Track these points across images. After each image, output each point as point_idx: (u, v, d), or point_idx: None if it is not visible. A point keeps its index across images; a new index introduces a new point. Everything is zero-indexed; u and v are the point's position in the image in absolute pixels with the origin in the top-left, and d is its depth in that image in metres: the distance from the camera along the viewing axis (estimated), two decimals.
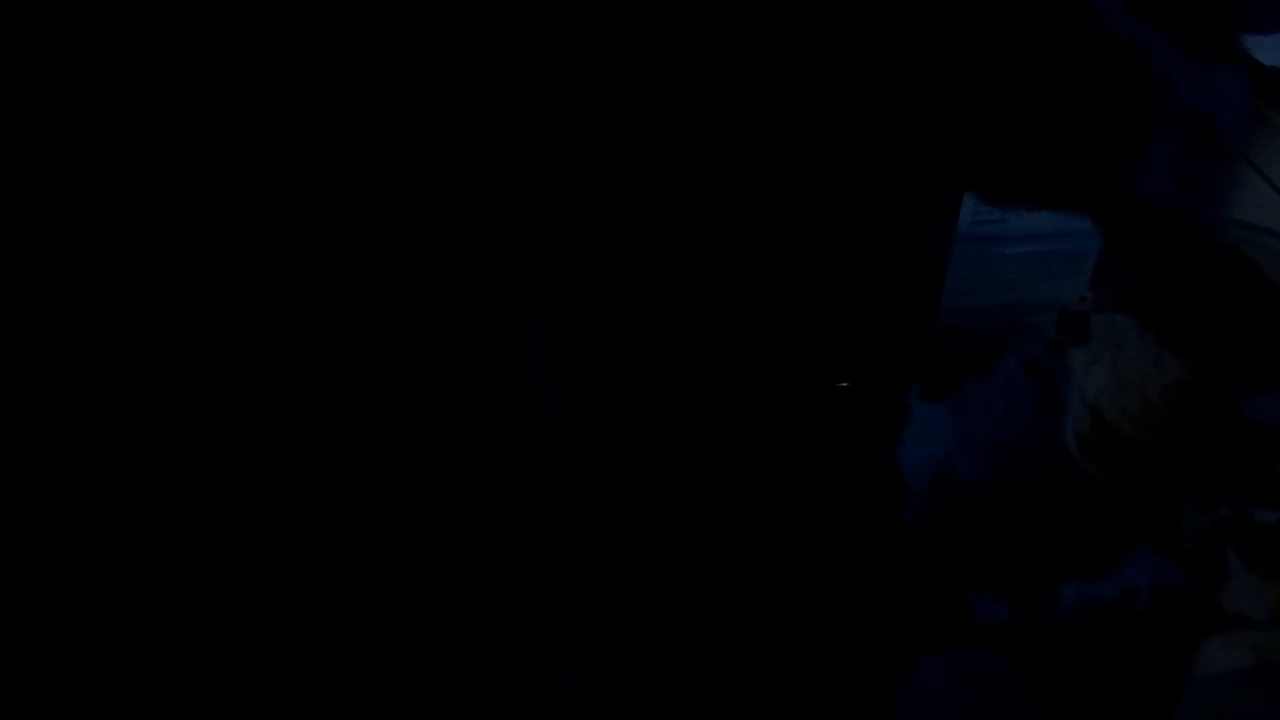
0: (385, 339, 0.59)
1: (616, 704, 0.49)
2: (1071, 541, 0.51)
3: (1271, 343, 0.60)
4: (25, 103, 0.57)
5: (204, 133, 0.60)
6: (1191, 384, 0.56)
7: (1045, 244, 0.62)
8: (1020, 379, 0.57)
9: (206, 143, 0.60)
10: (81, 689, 0.48)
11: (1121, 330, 0.59)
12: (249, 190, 0.61)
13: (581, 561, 0.54)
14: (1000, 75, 0.58)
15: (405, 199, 0.62)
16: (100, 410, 0.56)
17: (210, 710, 0.48)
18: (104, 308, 0.58)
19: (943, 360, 0.62)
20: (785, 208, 0.64)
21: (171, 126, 0.60)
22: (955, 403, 0.59)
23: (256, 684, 0.49)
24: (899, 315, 0.64)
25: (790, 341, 0.63)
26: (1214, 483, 0.54)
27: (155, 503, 0.53)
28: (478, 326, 0.61)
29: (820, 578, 0.53)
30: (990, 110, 0.59)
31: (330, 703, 0.49)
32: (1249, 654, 0.48)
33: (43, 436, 0.54)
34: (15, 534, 0.51)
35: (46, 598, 0.50)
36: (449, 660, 0.50)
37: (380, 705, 0.49)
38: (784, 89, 0.61)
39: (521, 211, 0.64)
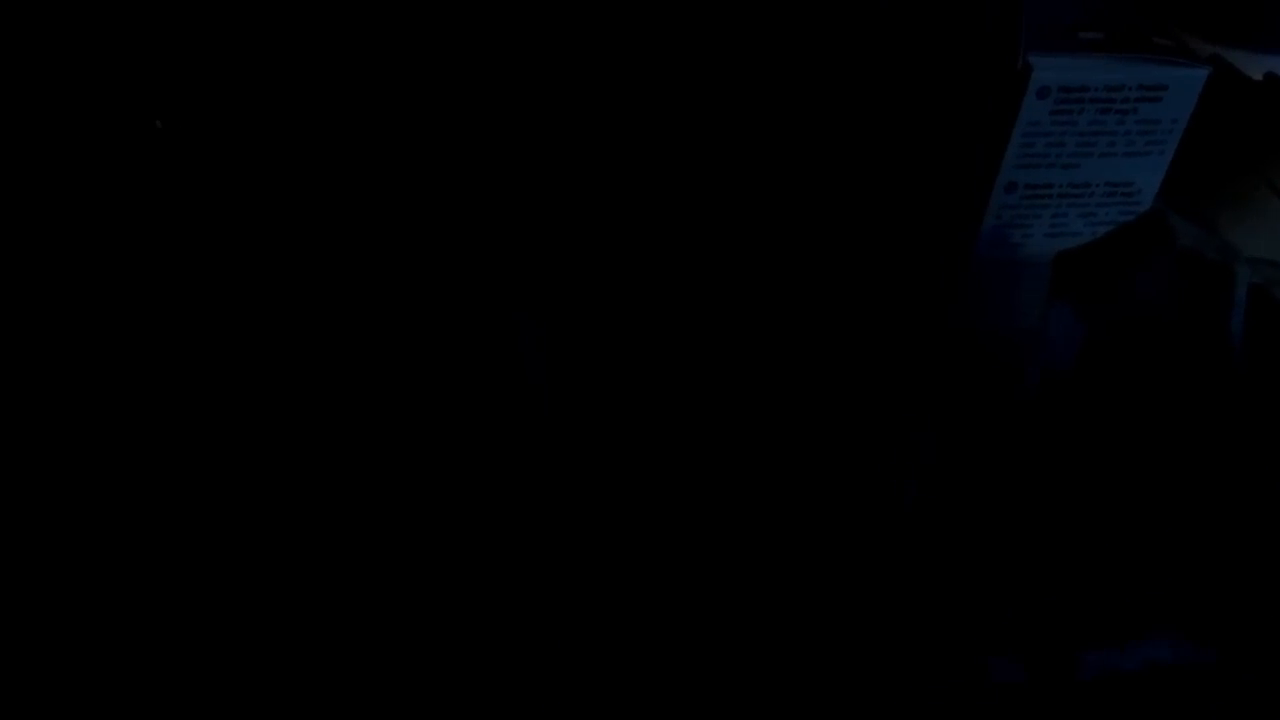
0: (386, 343, 0.59)
1: (616, 708, 0.49)
2: (1097, 599, 0.50)
3: None
4: (26, 101, 0.58)
5: (202, 135, 0.60)
6: None
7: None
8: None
9: (206, 146, 0.60)
10: (86, 688, 0.48)
11: None
12: (249, 193, 0.61)
13: (580, 566, 0.53)
14: None
15: (406, 204, 0.63)
16: (102, 412, 0.56)
17: (219, 709, 0.48)
18: (102, 310, 0.58)
19: None
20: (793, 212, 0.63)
21: (165, 127, 0.59)
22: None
23: (260, 676, 0.49)
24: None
25: (798, 348, 0.61)
26: None
27: (155, 503, 0.54)
28: (476, 331, 0.61)
29: (821, 604, 0.52)
30: None
31: (329, 702, 0.49)
32: None
33: (45, 436, 0.55)
34: (16, 534, 0.52)
35: (48, 598, 0.50)
36: (446, 661, 0.50)
37: (378, 702, 0.49)
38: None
39: (522, 216, 0.64)
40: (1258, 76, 0.58)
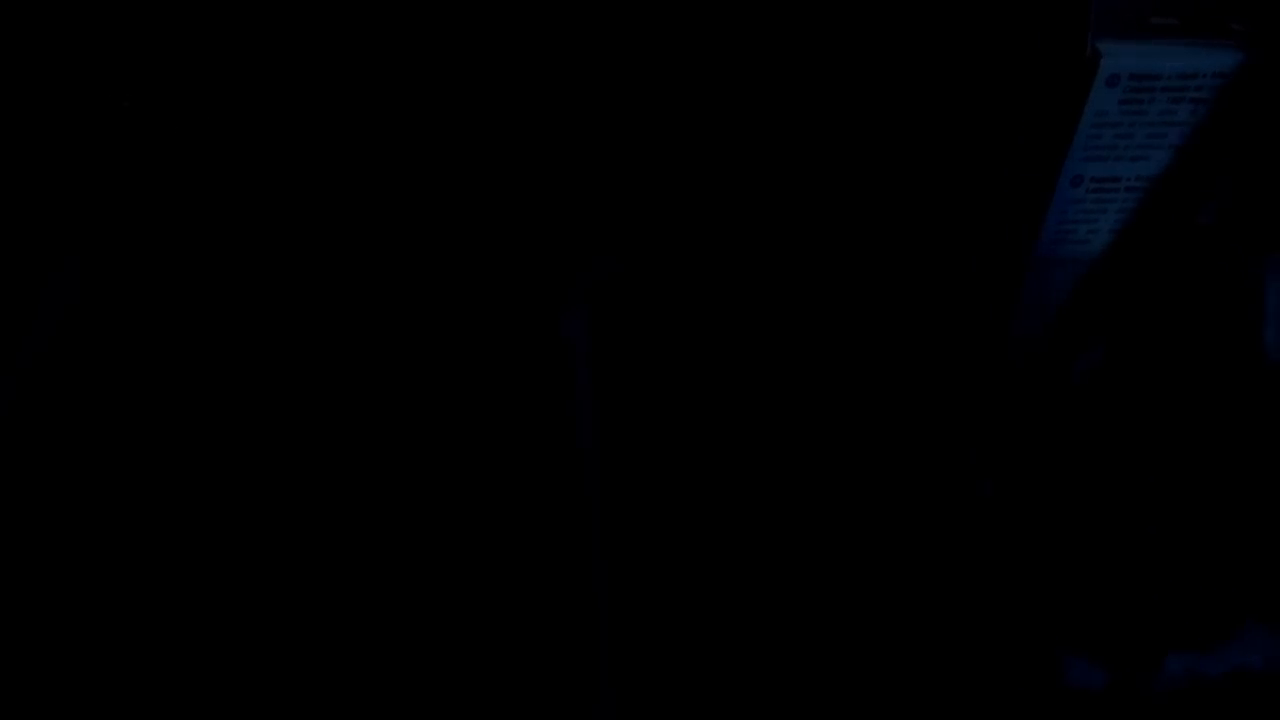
0: (426, 341, 0.58)
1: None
2: (1184, 594, 0.46)
3: None
4: (22, 107, 0.57)
5: (246, 132, 0.59)
6: None
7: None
8: None
9: (248, 142, 0.59)
10: (98, 688, 0.47)
11: None
12: (286, 192, 0.60)
13: (621, 571, 0.51)
14: None
15: (449, 200, 0.61)
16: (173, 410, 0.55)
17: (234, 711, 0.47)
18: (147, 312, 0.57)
19: None
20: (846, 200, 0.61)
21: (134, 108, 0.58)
22: None
23: (288, 683, 0.48)
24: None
25: (858, 347, 0.59)
26: None
27: (183, 506, 0.52)
28: (520, 328, 0.59)
29: (880, 603, 0.49)
30: None
31: (354, 708, 0.47)
32: None
33: (49, 436, 0.54)
34: (18, 534, 0.51)
35: (51, 598, 0.49)
36: (482, 668, 0.49)
37: (411, 711, 0.47)
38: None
39: (566, 210, 0.62)
40: None
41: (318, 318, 0.58)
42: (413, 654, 0.49)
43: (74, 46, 0.57)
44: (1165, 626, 0.45)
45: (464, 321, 0.58)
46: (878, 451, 0.54)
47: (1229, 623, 0.45)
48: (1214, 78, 0.54)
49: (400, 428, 0.55)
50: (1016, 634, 0.46)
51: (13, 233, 0.58)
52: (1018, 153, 0.58)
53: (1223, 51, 0.54)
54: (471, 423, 0.56)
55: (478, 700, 0.48)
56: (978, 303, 0.60)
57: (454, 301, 0.59)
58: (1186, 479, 0.47)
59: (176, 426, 0.54)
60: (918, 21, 0.58)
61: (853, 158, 0.62)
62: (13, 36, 0.56)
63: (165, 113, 0.58)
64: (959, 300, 0.60)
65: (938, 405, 0.55)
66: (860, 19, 0.59)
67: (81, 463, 0.53)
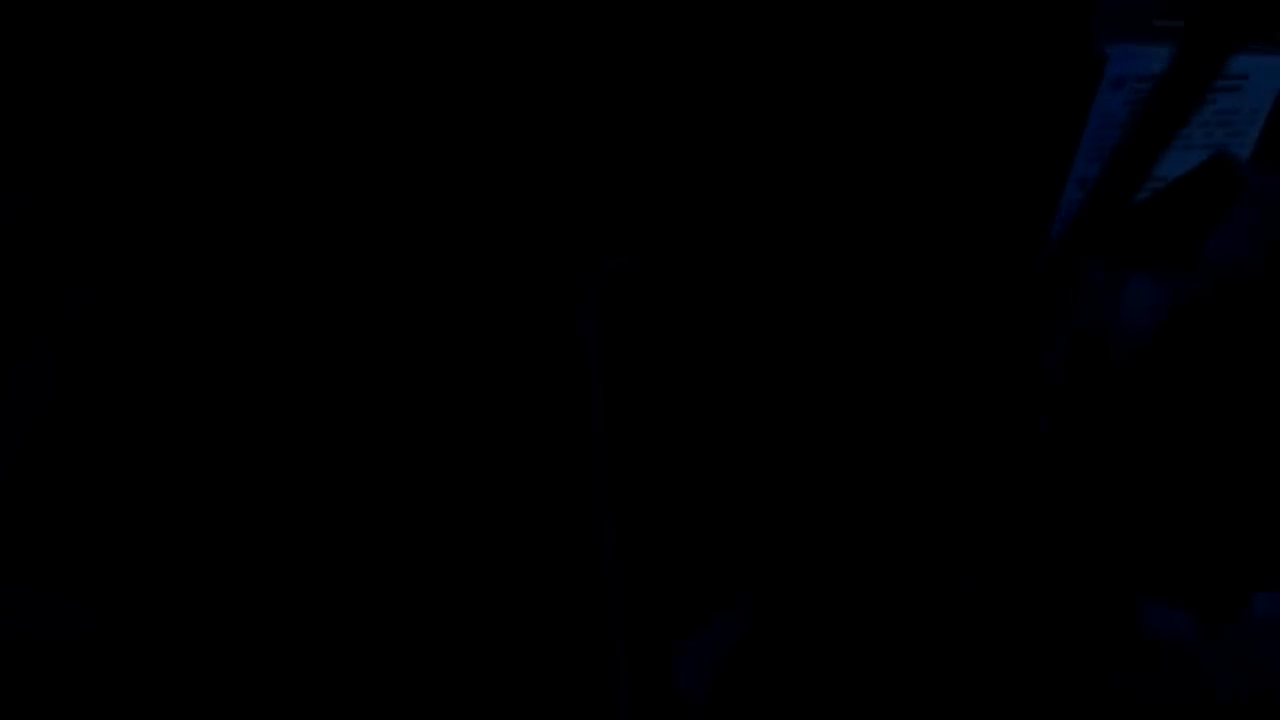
0: (441, 339, 0.58)
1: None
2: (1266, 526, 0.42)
3: None
4: (26, 105, 0.56)
5: (258, 132, 0.58)
6: None
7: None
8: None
9: (261, 143, 0.58)
10: (108, 686, 0.46)
11: None
12: (301, 195, 0.59)
13: (631, 563, 0.48)
14: None
15: (465, 201, 0.62)
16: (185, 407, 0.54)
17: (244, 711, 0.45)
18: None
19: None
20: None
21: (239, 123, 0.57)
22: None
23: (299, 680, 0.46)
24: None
25: (865, 340, 0.57)
26: None
27: (203, 504, 0.51)
28: (537, 327, 0.59)
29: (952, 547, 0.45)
30: None
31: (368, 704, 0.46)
32: None
33: (53, 436, 0.52)
34: (21, 534, 0.49)
35: (56, 598, 0.47)
36: (495, 663, 0.47)
37: (428, 706, 0.46)
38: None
39: (579, 215, 0.61)
40: None
41: (353, 323, 0.58)
42: (438, 633, 0.48)
43: (79, 50, 0.56)
44: (1249, 559, 0.41)
45: (488, 321, 0.58)
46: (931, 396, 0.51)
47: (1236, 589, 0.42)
48: (1219, 80, 0.56)
49: (426, 418, 0.55)
50: (1086, 578, 0.42)
51: (39, 244, 0.55)
52: (1025, 155, 0.58)
53: None
54: (493, 413, 0.55)
55: (496, 679, 0.47)
56: (989, 294, 0.58)
57: (480, 303, 0.59)
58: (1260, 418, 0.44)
59: (206, 432, 0.53)
60: (925, 26, 0.59)
61: (861, 163, 0.62)
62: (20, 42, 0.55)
63: (181, 121, 0.56)
64: (969, 294, 0.59)
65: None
66: (868, 24, 0.60)
67: (114, 459, 0.52)
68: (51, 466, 0.51)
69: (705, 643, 0.47)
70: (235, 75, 0.58)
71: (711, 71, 0.61)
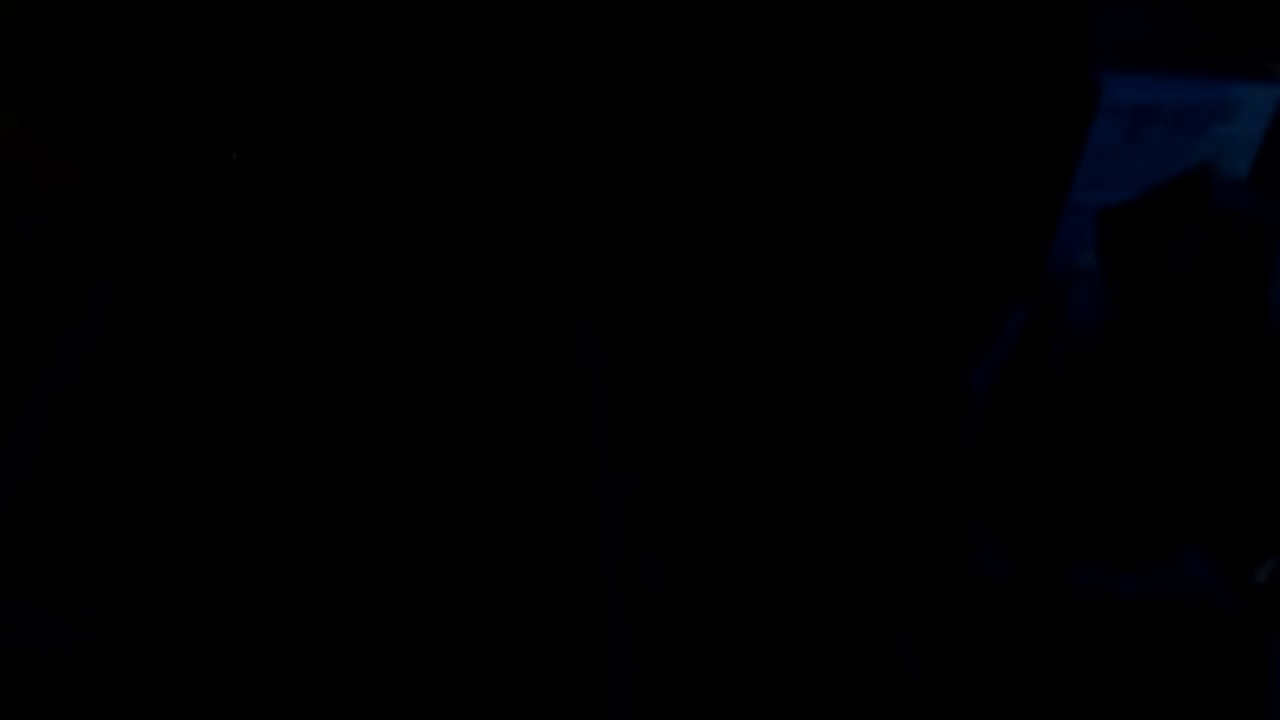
0: (444, 353, 0.60)
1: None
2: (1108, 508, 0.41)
3: None
4: (77, 87, 0.62)
5: (266, 129, 0.64)
6: None
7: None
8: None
9: (268, 141, 0.64)
10: (109, 691, 0.47)
11: None
12: (308, 207, 0.63)
13: (636, 574, 0.51)
14: None
15: (466, 216, 0.64)
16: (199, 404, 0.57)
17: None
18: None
19: None
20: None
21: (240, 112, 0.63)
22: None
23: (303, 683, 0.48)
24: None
25: (851, 352, 0.58)
26: None
27: (204, 510, 0.53)
28: (536, 339, 0.61)
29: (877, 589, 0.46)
30: None
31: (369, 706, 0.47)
32: None
33: (56, 436, 0.55)
34: (22, 535, 0.52)
35: (56, 599, 0.50)
36: (497, 667, 0.48)
37: (428, 708, 0.47)
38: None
39: (580, 226, 0.65)
40: None
41: (360, 333, 0.60)
42: (438, 636, 0.49)
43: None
44: (1077, 533, 0.40)
45: (499, 341, 0.60)
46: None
47: (1162, 545, 0.40)
48: (1212, 108, 0.56)
49: (428, 428, 0.57)
50: (932, 510, 0.42)
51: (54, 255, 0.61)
52: (1023, 183, 0.60)
53: (1221, 83, 0.55)
54: (503, 427, 0.57)
55: (498, 678, 0.47)
56: (982, 331, 0.59)
57: (491, 323, 0.61)
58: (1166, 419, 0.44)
59: (207, 439, 0.55)
60: (923, 54, 0.62)
61: (860, 186, 0.65)
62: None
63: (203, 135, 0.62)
64: (963, 330, 0.60)
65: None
66: (867, 51, 0.63)
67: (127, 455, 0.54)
68: (60, 475, 0.53)
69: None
70: (249, 92, 0.63)
71: (709, 108, 0.65)
